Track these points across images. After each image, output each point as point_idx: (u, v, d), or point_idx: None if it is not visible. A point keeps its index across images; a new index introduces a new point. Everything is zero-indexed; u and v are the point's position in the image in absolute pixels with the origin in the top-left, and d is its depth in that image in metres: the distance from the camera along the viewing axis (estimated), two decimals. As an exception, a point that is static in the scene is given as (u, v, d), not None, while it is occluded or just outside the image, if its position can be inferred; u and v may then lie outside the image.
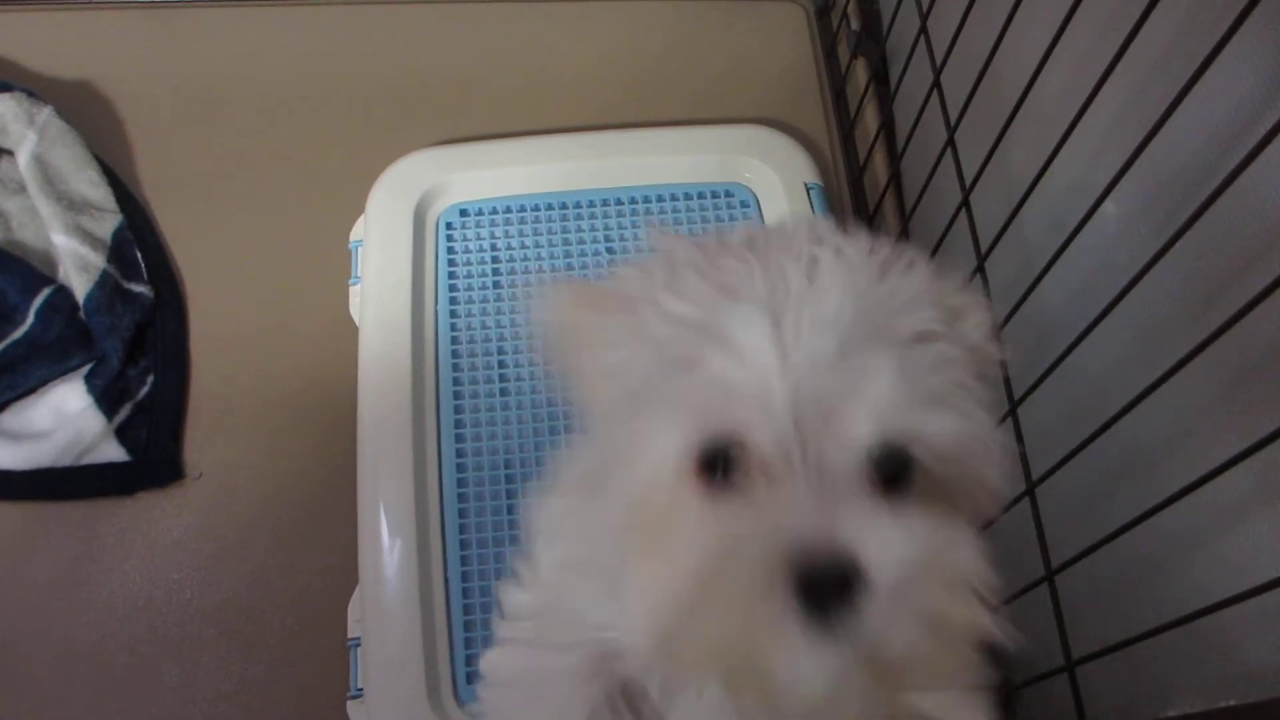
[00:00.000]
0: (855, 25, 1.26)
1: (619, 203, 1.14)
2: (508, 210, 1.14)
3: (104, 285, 1.10)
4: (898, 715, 0.43)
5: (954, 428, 0.38)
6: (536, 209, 1.14)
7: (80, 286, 1.10)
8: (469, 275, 1.11)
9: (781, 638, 0.34)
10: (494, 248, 1.12)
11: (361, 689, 0.93)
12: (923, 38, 0.96)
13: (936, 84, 0.90)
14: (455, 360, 1.06)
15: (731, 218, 1.15)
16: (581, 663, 0.50)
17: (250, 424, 1.11)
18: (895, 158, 1.12)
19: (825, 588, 0.34)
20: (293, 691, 1.00)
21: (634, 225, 1.13)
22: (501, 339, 1.07)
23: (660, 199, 1.16)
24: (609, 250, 1.11)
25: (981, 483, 0.41)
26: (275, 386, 1.13)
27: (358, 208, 1.14)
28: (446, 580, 0.96)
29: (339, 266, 1.15)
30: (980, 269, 0.82)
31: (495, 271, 1.11)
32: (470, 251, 1.12)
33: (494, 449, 1.02)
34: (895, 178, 1.13)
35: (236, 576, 1.05)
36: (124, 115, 1.26)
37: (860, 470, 0.37)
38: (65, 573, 1.04)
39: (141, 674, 1.00)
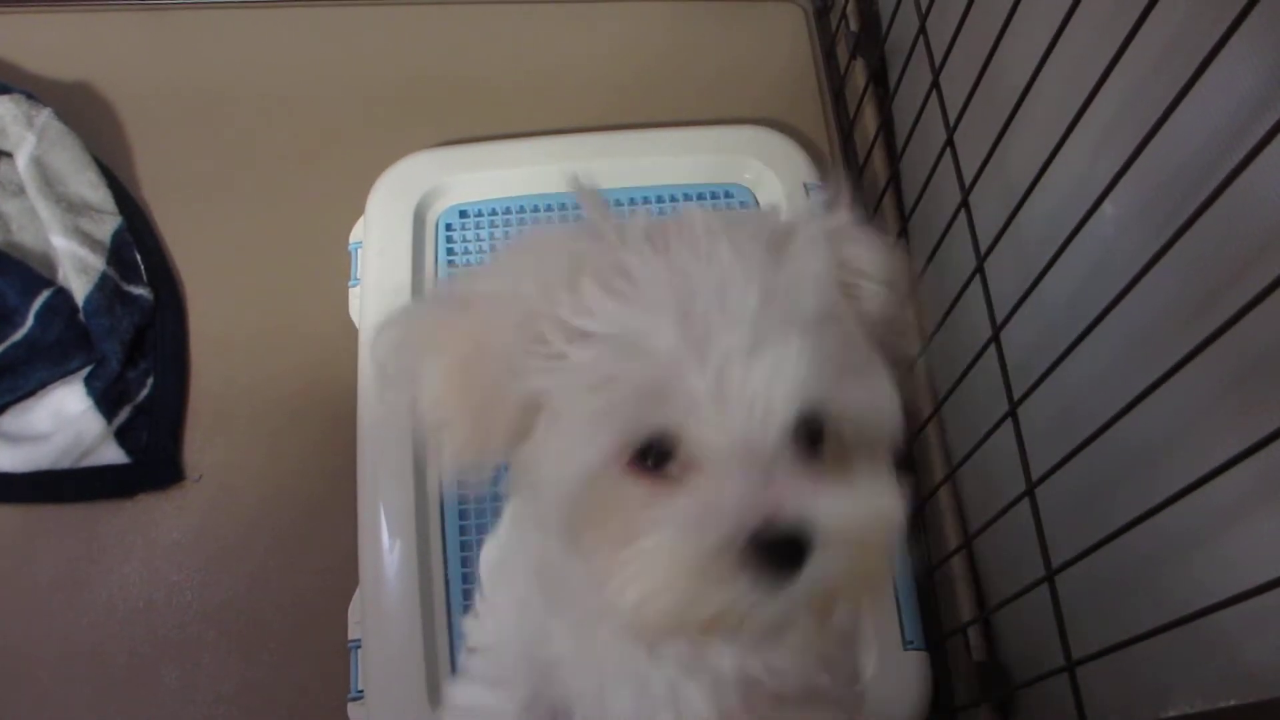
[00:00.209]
0: (854, 26, 1.26)
1: (619, 204, 1.14)
2: (507, 211, 1.14)
3: (103, 287, 1.10)
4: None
5: (860, 396, 0.43)
6: (536, 210, 1.14)
7: (80, 288, 1.10)
8: (469, 276, 1.11)
9: (747, 595, 0.39)
10: (494, 249, 1.12)
11: (362, 690, 0.93)
12: (922, 38, 0.96)
13: (936, 84, 0.90)
14: (455, 361, 1.06)
15: (731, 218, 1.15)
16: (523, 703, 0.56)
17: (250, 425, 1.11)
18: (894, 158, 1.12)
19: (782, 553, 0.39)
20: (293, 693, 1.00)
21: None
22: (501, 340, 1.07)
23: (660, 199, 1.16)
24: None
25: (881, 435, 0.45)
26: (275, 388, 1.13)
27: (357, 209, 1.14)
28: (447, 581, 0.96)
29: (339, 268, 1.15)
30: (980, 269, 0.82)
31: (495, 272, 1.11)
32: (470, 253, 1.12)
33: (494, 450, 1.02)
34: (895, 178, 1.13)
35: (236, 578, 1.05)
36: (124, 116, 1.26)
37: (785, 444, 0.41)
38: (65, 574, 1.04)
39: (141, 675, 1.00)
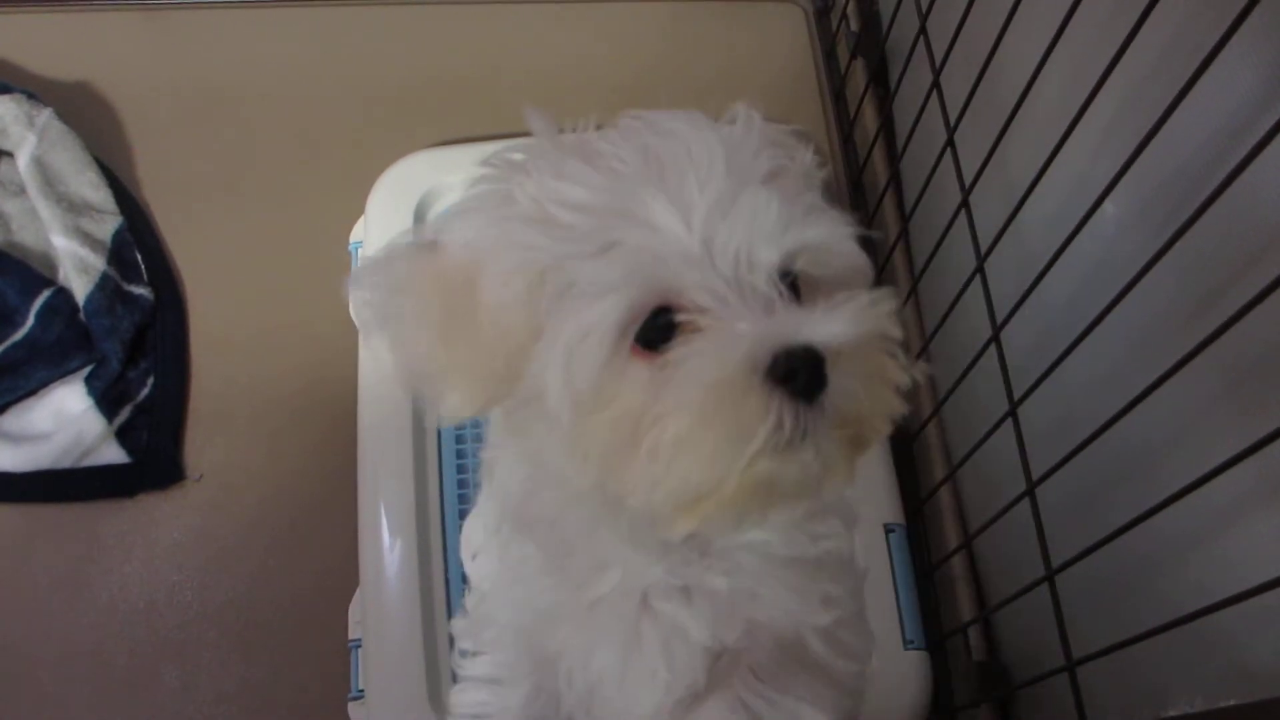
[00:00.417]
0: (854, 26, 1.26)
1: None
2: (507, 211, 1.14)
3: (104, 287, 1.10)
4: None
5: (827, 232, 0.46)
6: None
7: (80, 288, 1.10)
8: (469, 276, 1.10)
9: (784, 415, 0.41)
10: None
11: (362, 690, 0.94)
12: (922, 38, 0.96)
13: (936, 84, 0.90)
14: (455, 361, 1.06)
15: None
16: (526, 698, 0.58)
17: (250, 425, 1.11)
18: (895, 158, 1.12)
19: (804, 372, 0.41)
20: (293, 692, 1.00)
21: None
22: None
23: (660, 199, 1.15)
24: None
25: (851, 272, 0.48)
26: (275, 387, 1.13)
27: (358, 209, 1.14)
28: (447, 580, 0.96)
29: (338, 268, 1.15)
30: (980, 269, 0.82)
31: (495, 272, 1.11)
32: (470, 252, 1.12)
33: (494, 449, 1.02)
34: (895, 178, 1.13)
35: (237, 578, 1.05)
36: (124, 116, 1.26)
37: (776, 288, 0.44)
38: (66, 574, 1.04)
39: (142, 675, 1.01)
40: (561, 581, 0.54)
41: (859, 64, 1.27)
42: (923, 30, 0.96)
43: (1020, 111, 0.74)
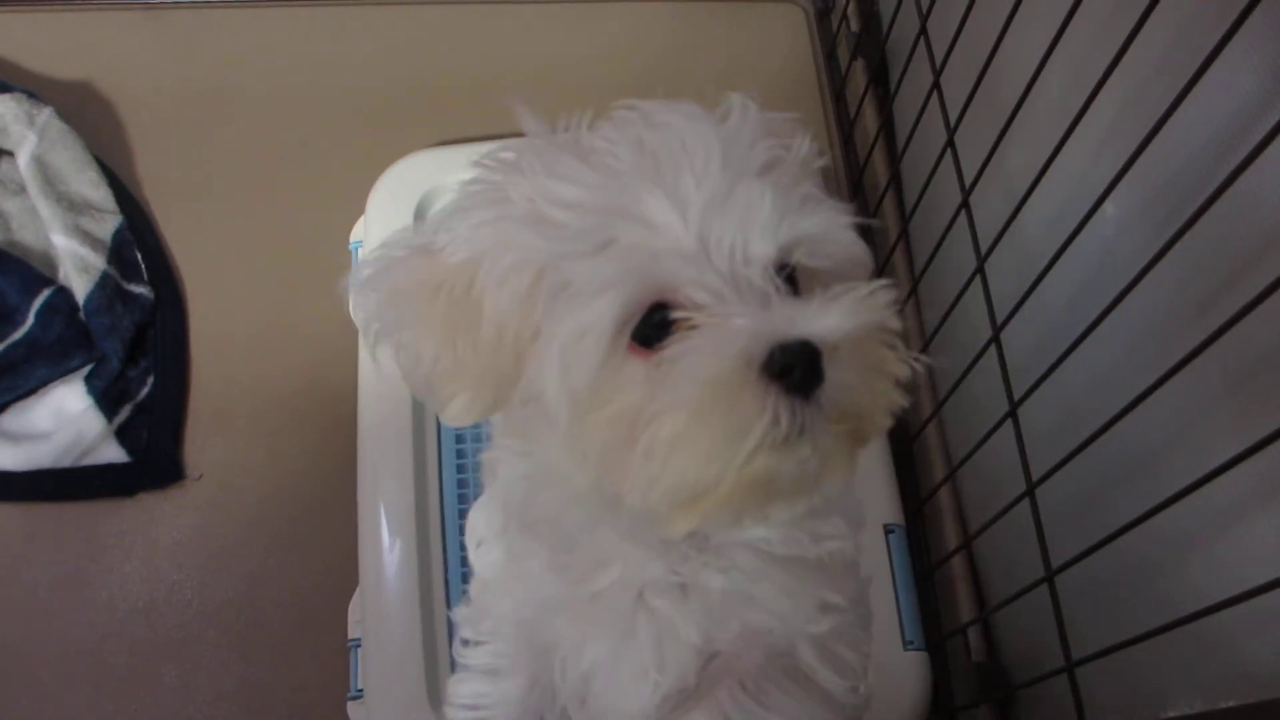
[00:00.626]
0: (855, 27, 1.26)
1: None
2: (508, 211, 1.14)
3: (104, 286, 1.10)
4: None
5: (823, 223, 0.45)
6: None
7: (80, 287, 1.10)
8: (469, 276, 1.10)
9: (781, 410, 0.40)
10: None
11: (361, 690, 0.93)
12: (922, 39, 0.96)
13: (936, 85, 0.90)
14: (455, 361, 1.06)
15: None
16: (523, 690, 0.58)
17: (250, 424, 1.11)
18: (895, 159, 1.12)
19: (800, 367, 0.41)
20: (292, 692, 1.00)
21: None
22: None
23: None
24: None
25: (850, 263, 0.48)
26: (275, 387, 1.13)
27: (358, 208, 1.14)
28: (446, 580, 0.96)
29: (338, 268, 1.15)
30: (980, 269, 0.82)
31: (495, 272, 1.11)
32: (470, 252, 1.12)
33: (494, 449, 1.02)
34: (895, 178, 1.13)
35: (236, 577, 1.05)
36: (124, 115, 1.26)
37: (772, 282, 0.43)
38: (65, 573, 1.04)
39: (141, 674, 1.01)
40: (563, 576, 0.54)
41: (859, 64, 1.27)
42: (923, 31, 0.96)
43: (1020, 112, 0.74)
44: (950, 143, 0.86)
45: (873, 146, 1.19)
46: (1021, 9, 0.74)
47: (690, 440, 0.41)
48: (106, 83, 1.27)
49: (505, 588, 0.58)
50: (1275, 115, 0.49)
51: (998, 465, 0.86)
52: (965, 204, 0.83)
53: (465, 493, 1.00)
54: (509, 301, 0.44)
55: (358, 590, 0.98)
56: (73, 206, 1.14)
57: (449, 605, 0.95)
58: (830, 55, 1.35)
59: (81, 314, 1.10)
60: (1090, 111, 0.65)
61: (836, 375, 0.41)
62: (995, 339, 0.80)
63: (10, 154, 1.16)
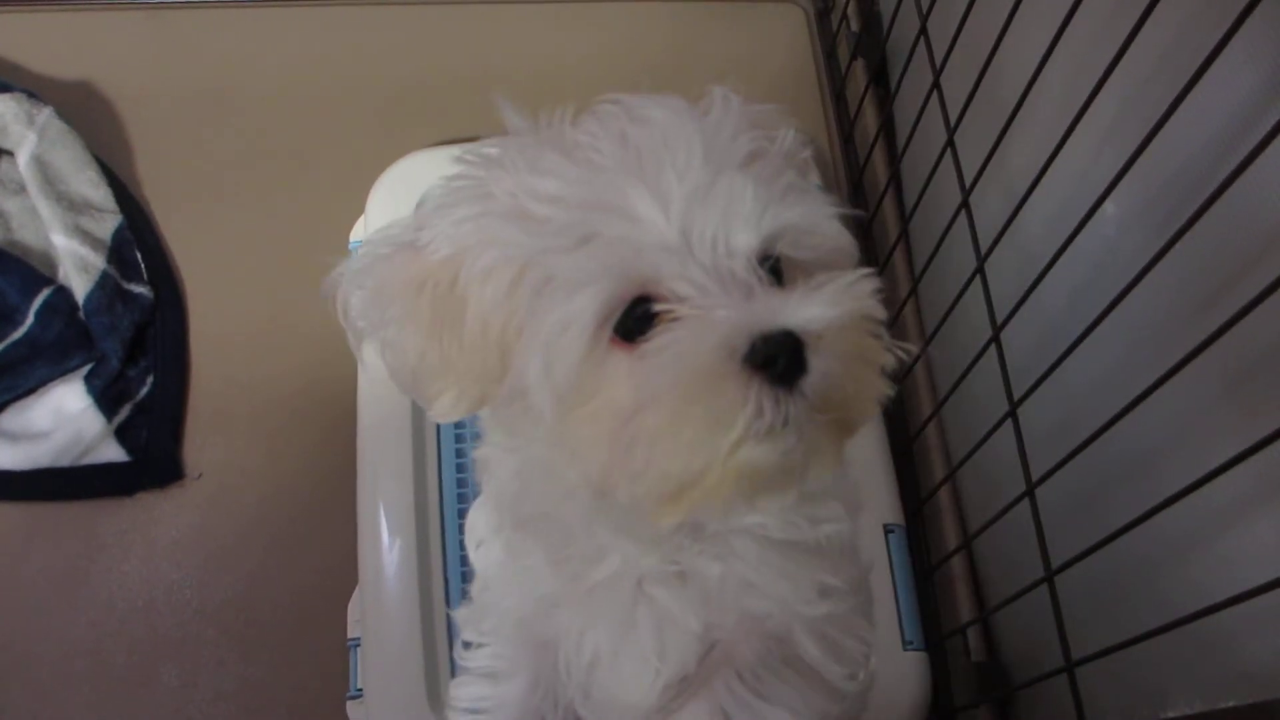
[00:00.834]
0: (855, 26, 1.26)
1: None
2: (508, 211, 1.14)
3: (104, 286, 1.10)
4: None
5: (806, 213, 0.45)
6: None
7: (80, 287, 1.10)
8: (469, 275, 1.10)
9: (764, 401, 0.40)
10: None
11: (361, 689, 0.93)
12: (922, 39, 0.96)
13: (936, 85, 0.90)
14: (455, 360, 1.06)
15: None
16: (524, 691, 0.57)
17: (250, 424, 1.11)
18: (895, 159, 1.12)
19: (782, 357, 0.40)
20: (292, 692, 1.00)
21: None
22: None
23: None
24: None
25: (835, 253, 0.48)
26: (275, 387, 1.13)
27: (358, 208, 1.14)
28: (446, 580, 0.96)
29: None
30: (980, 269, 0.81)
31: (495, 272, 1.11)
32: (470, 252, 1.12)
33: (494, 449, 1.02)
34: (895, 178, 1.13)
35: (236, 576, 1.05)
36: (124, 115, 1.26)
37: (755, 273, 0.43)
38: (65, 573, 1.04)
39: (140, 673, 1.01)
40: (562, 570, 0.54)
41: (859, 64, 1.27)
42: (923, 31, 0.96)
43: (1021, 111, 0.74)
44: (950, 143, 0.86)
45: (873, 146, 1.19)
46: (1021, 9, 0.74)
47: (673, 433, 0.41)
48: (106, 83, 1.27)
49: (506, 586, 0.58)
50: (1275, 115, 0.49)
51: (998, 465, 0.86)
52: (965, 204, 0.83)
53: (465, 492, 1.00)
54: (493, 297, 0.44)
55: (357, 590, 0.98)
56: (72, 206, 1.14)
57: (449, 605, 0.95)
58: (830, 55, 1.35)
59: (81, 313, 1.10)
60: (1090, 111, 0.65)
61: (820, 365, 0.41)
62: (995, 339, 0.80)
63: (10, 153, 1.16)
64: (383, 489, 0.98)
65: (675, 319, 0.42)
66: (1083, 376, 0.74)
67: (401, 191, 1.12)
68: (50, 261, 1.14)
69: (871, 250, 1.19)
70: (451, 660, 0.92)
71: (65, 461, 1.06)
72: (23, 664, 1.00)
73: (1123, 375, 0.69)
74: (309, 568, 1.04)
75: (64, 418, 1.07)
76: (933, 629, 0.97)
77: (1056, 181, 0.71)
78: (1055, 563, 0.73)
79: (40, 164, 1.14)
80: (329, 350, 1.12)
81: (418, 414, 1.01)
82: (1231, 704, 0.64)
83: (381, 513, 0.97)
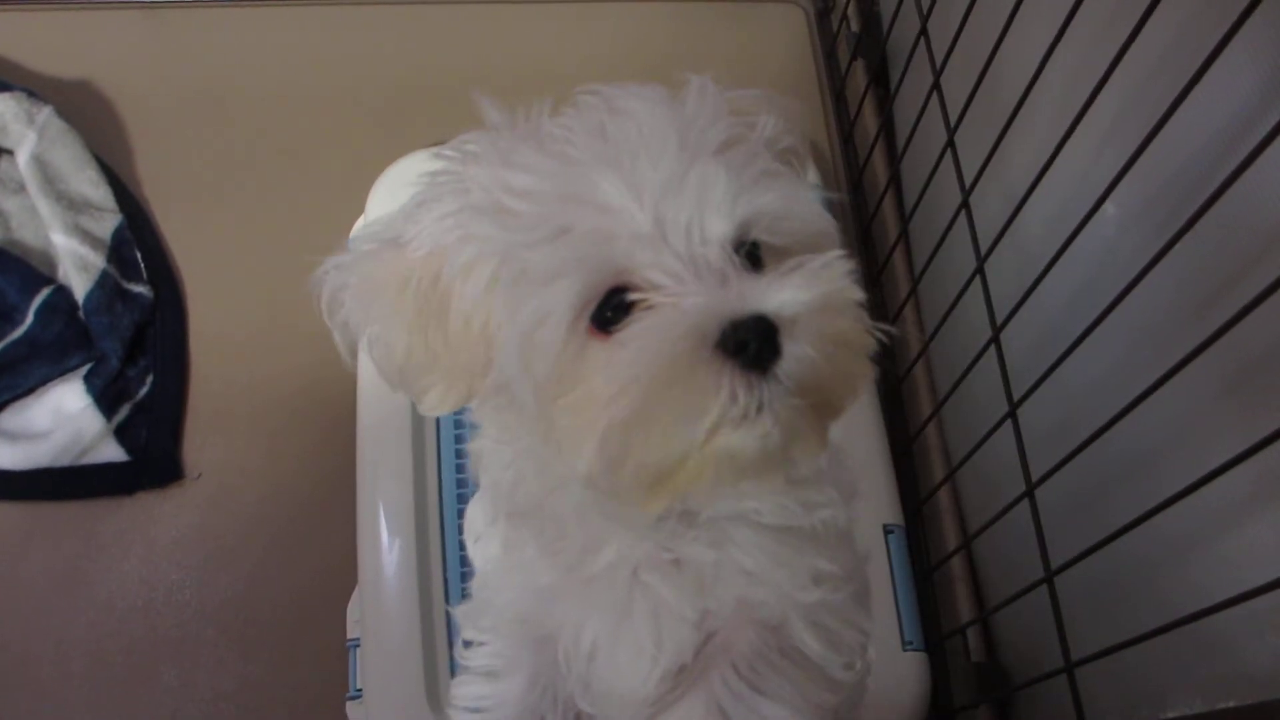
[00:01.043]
0: (855, 27, 1.26)
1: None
2: (507, 210, 1.14)
3: (103, 285, 1.10)
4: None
5: (781, 198, 0.45)
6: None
7: (80, 286, 1.10)
8: (469, 275, 1.10)
9: (737, 386, 0.40)
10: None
11: (360, 690, 0.93)
12: (923, 39, 0.96)
13: (936, 85, 0.90)
14: (455, 360, 1.06)
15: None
16: (523, 689, 0.57)
17: (250, 424, 1.11)
18: (895, 159, 1.12)
19: (755, 342, 0.40)
20: (291, 692, 1.00)
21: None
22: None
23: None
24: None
25: (818, 234, 0.47)
26: (275, 387, 1.13)
27: (358, 208, 1.14)
28: (446, 580, 0.96)
29: (339, 267, 1.15)
30: (980, 270, 0.81)
31: (495, 272, 1.11)
32: (470, 252, 1.12)
33: (493, 449, 1.02)
34: (895, 179, 1.13)
35: (235, 577, 1.05)
36: (124, 114, 1.26)
37: (728, 258, 0.43)
38: (64, 572, 1.04)
39: (140, 673, 1.00)
40: (558, 563, 0.54)
41: (859, 65, 1.27)
42: (923, 31, 0.96)
43: (1021, 112, 0.74)
44: (950, 143, 0.86)
45: (873, 146, 1.19)
46: (1022, 9, 0.74)
47: (647, 421, 0.41)
48: (106, 81, 1.27)
49: (504, 580, 0.58)
50: (1275, 115, 0.49)
51: (997, 465, 0.86)
52: (965, 204, 0.83)
53: (464, 492, 1.00)
54: (474, 292, 0.44)
55: (356, 590, 0.98)
56: (72, 205, 1.14)
57: (448, 604, 0.95)
58: (830, 55, 1.35)
59: (81, 313, 1.10)
60: (1091, 111, 0.65)
61: (795, 349, 0.41)
62: (995, 339, 0.80)
63: (10, 153, 1.16)
64: (382, 489, 0.98)
65: (650, 308, 0.42)
66: (1083, 377, 0.74)
67: (401, 191, 1.12)
68: (50, 261, 1.14)
69: (871, 250, 1.19)
70: (451, 660, 0.92)
71: (65, 461, 1.05)
72: (22, 663, 1.00)
73: (1123, 375, 0.69)
74: (308, 568, 1.04)
75: (63, 417, 1.07)
76: (932, 629, 0.97)
77: (1056, 182, 0.71)
78: (1055, 563, 0.73)
79: (40, 163, 1.14)
80: (329, 350, 1.10)
81: (417, 414, 1.01)
82: (1231, 704, 0.64)
83: (381, 513, 0.97)
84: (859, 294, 0.44)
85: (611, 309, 0.43)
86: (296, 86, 1.30)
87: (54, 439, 1.05)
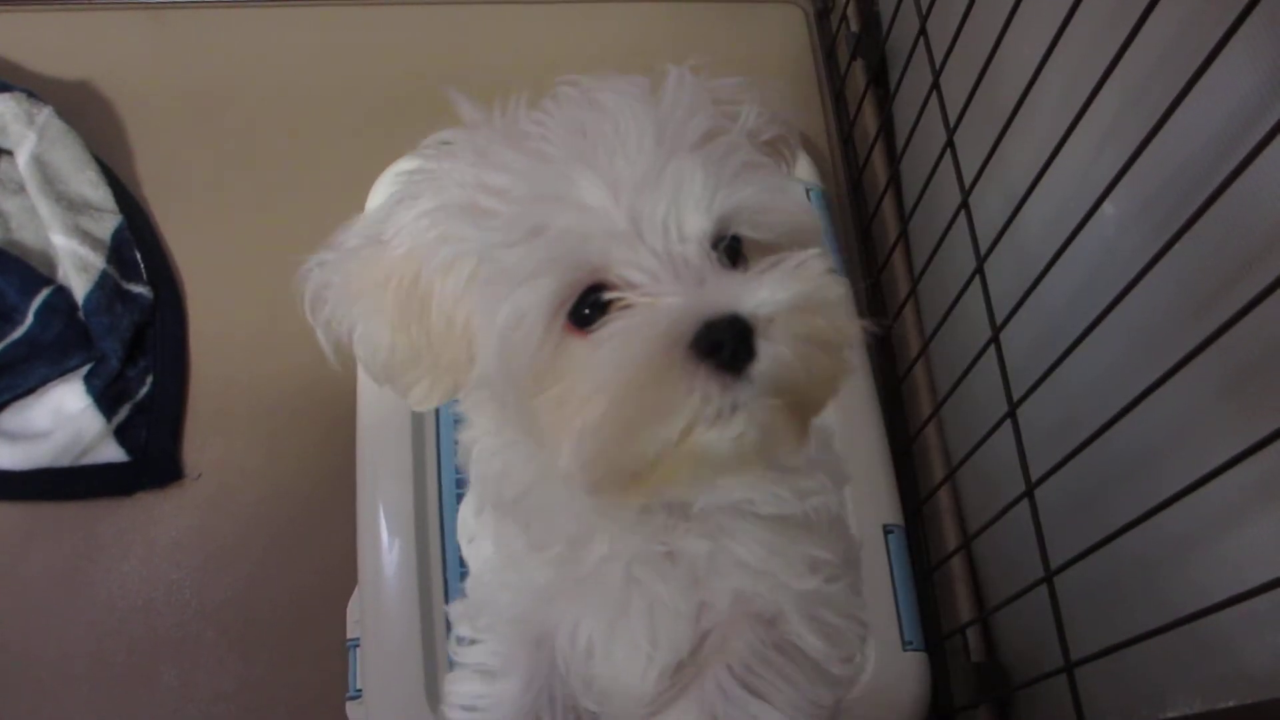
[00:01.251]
0: (855, 27, 1.26)
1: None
2: (507, 211, 1.14)
3: (103, 285, 1.10)
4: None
5: (758, 191, 0.44)
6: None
7: (79, 287, 1.10)
8: (468, 275, 1.10)
9: (711, 387, 0.40)
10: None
11: (360, 690, 0.93)
12: (922, 39, 0.96)
13: (936, 85, 0.90)
14: (455, 360, 1.06)
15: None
16: (520, 689, 0.57)
17: (249, 424, 1.11)
18: (895, 159, 1.12)
19: (729, 344, 0.40)
20: (291, 692, 1.00)
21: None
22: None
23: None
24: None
25: (800, 229, 0.46)
26: (274, 387, 1.13)
27: (358, 208, 1.13)
28: (445, 580, 0.96)
29: (338, 267, 1.15)
30: (980, 270, 0.82)
31: (495, 272, 1.11)
32: (470, 252, 1.12)
33: (493, 449, 1.01)
34: (894, 179, 1.13)
35: (235, 577, 1.05)
36: (124, 115, 1.26)
37: (706, 255, 0.43)
38: (64, 572, 1.04)
39: (140, 674, 1.00)
40: (552, 561, 0.54)
41: (859, 65, 1.27)
42: (923, 31, 0.96)
43: (1020, 112, 0.74)
44: (950, 143, 0.86)
45: (872, 146, 1.19)
46: (1021, 9, 0.74)
47: (619, 421, 0.41)
48: (106, 82, 1.27)
49: (500, 579, 0.58)
50: (1275, 115, 0.49)
51: (997, 465, 0.86)
52: (965, 204, 0.84)
53: (463, 492, 0.99)
54: (453, 291, 0.44)
55: (356, 590, 0.98)
56: (72, 206, 1.14)
57: (447, 604, 0.95)
58: (830, 55, 1.35)
59: (81, 313, 1.10)
60: (1090, 111, 0.65)
61: (770, 350, 0.40)
62: (995, 339, 0.80)
63: (9, 153, 1.16)
64: (382, 489, 0.98)
65: (627, 307, 0.42)
66: (1082, 376, 0.74)
67: (401, 191, 1.12)
68: (50, 261, 1.14)
69: (871, 250, 1.19)
70: (451, 660, 0.92)
71: (65, 461, 1.05)
72: (22, 663, 1.00)
73: (1122, 375, 0.69)
74: (308, 568, 1.04)
75: (63, 417, 1.07)
76: (932, 629, 0.97)
77: (1056, 182, 0.71)
78: (1055, 563, 0.73)
79: (40, 164, 1.14)
80: (329, 350, 1.12)
81: (417, 414, 1.01)
82: (1231, 704, 0.64)
83: (381, 513, 0.97)
84: (837, 291, 0.44)
85: (589, 307, 0.43)
86: (296, 86, 1.30)
87: (54, 439, 1.05)
